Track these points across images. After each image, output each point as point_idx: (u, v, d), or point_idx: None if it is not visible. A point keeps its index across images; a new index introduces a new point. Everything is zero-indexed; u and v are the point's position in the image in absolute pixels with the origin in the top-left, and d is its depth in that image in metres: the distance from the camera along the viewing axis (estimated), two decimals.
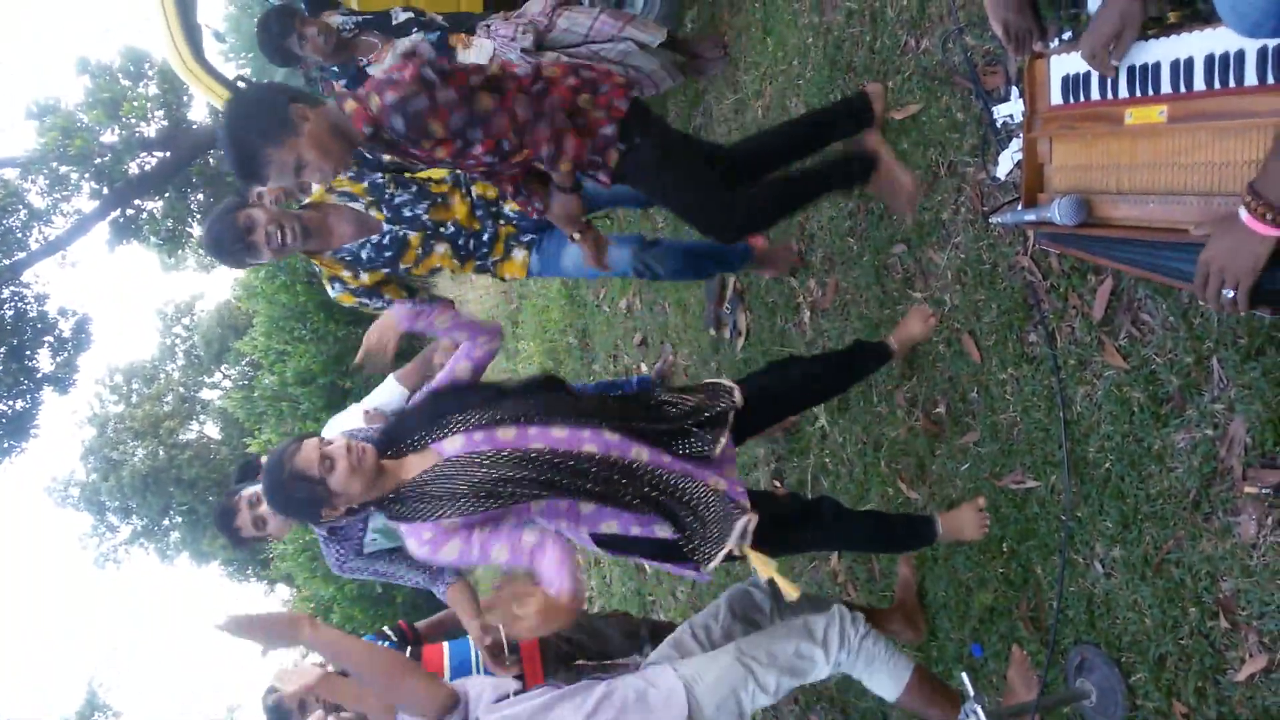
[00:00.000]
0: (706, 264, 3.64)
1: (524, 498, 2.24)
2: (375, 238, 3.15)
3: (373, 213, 3.16)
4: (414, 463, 2.31)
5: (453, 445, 2.29)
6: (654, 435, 2.37)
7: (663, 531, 2.36)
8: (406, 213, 3.16)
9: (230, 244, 2.95)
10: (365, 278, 3.23)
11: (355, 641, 2.54)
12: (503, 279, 3.40)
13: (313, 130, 2.30)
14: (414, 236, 3.17)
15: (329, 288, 3.33)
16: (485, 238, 3.26)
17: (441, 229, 3.20)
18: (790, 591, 2.28)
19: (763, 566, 2.32)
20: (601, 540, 2.38)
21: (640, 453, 2.32)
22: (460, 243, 3.23)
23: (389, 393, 3.78)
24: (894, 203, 2.93)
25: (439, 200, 3.19)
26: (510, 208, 3.25)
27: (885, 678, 2.47)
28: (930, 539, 2.70)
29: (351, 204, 3.18)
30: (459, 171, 3.11)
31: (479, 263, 3.31)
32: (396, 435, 2.36)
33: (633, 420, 2.36)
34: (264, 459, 2.73)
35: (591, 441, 2.29)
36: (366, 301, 3.31)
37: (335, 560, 3.40)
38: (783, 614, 2.71)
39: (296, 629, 2.38)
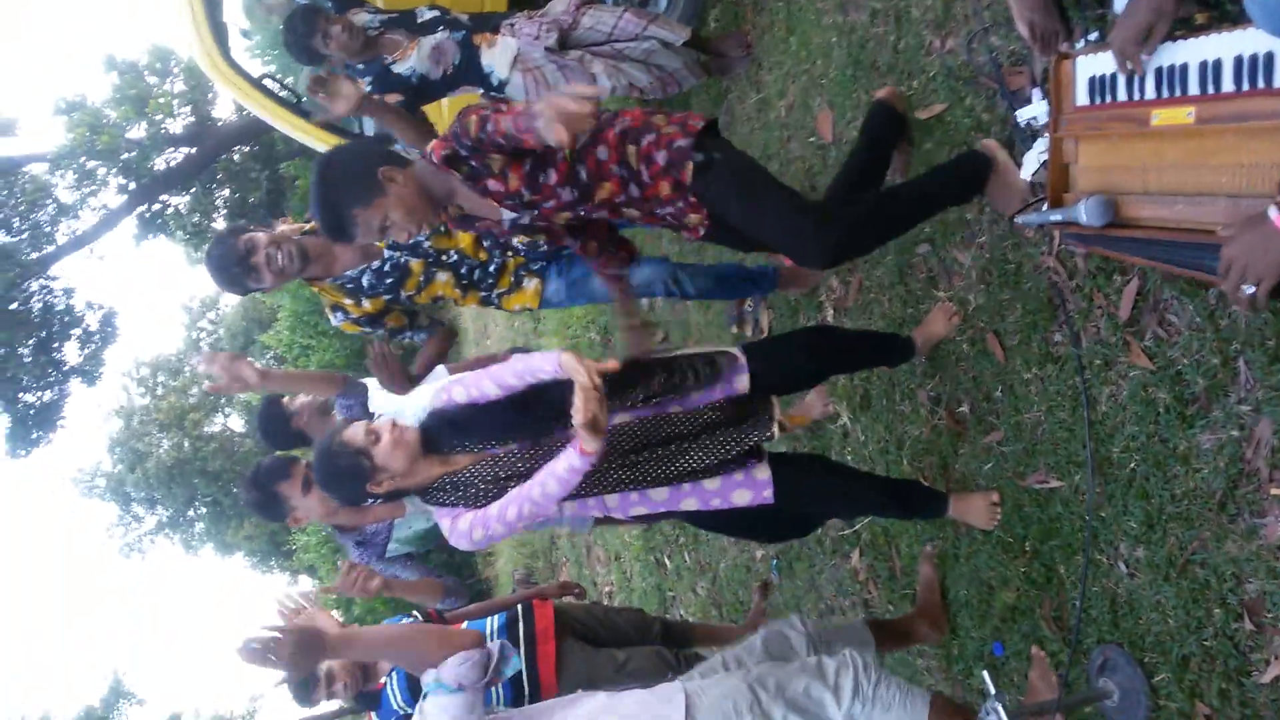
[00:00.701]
0: (735, 285, 3.66)
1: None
2: (376, 264, 3.15)
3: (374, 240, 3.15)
4: (461, 460, 2.44)
5: (505, 447, 2.42)
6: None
7: (688, 505, 2.50)
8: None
9: (232, 267, 3.00)
10: (367, 304, 3.22)
11: (382, 632, 2.49)
12: (510, 311, 3.40)
13: (400, 191, 2.34)
14: (415, 264, 3.16)
15: (331, 317, 3.33)
16: (491, 269, 3.24)
17: (444, 257, 3.19)
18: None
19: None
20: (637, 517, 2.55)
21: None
22: (463, 272, 3.21)
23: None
24: (1007, 204, 2.63)
25: (441, 228, 3.17)
26: (519, 240, 3.20)
27: (902, 718, 2.43)
28: (939, 513, 2.76)
29: None
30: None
31: (483, 294, 3.29)
32: (436, 434, 2.44)
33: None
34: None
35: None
36: (369, 330, 3.30)
37: (355, 558, 3.46)
38: (819, 655, 2.68)
39: (322, 646, 2.29)
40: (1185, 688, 2.13)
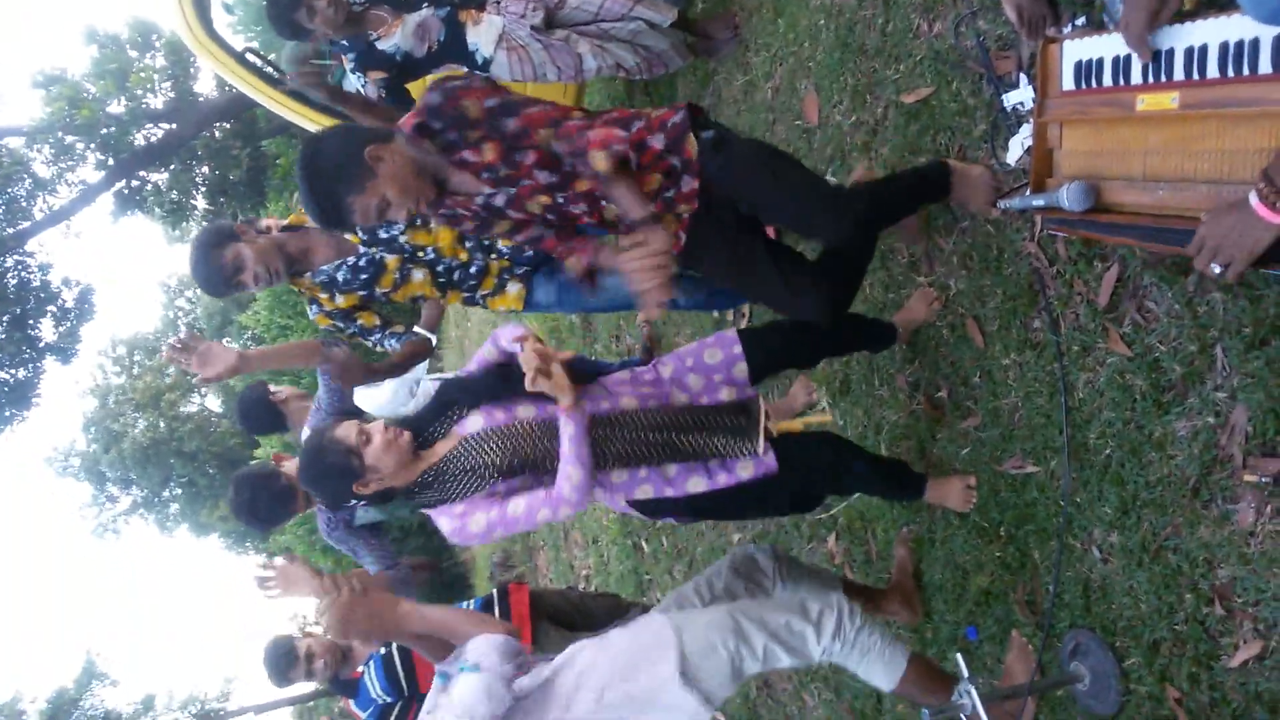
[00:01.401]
0: (726, 298, 3.63)
1: (547, 469, 2.36)
2: (352, 259, 3.10)
3: (347, 236, 3.10)
4: (440, 448, 2.43)
5: (474, 424, 2.41)
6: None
7: (695, 486, 2.48)
8: (382, 234, 3.09)
9: (221, 285, 2.97)
10: (340, 300, 3.15)
11: (441, 614, 2.44)
12: (495, 311, 3.33)
13: (390, 170, 2.26)
14: (391, 260, 3.10)
15: (308, 310, 3.27)
16: (473, 270, 3.16)
17: (420, 254, 3.12)
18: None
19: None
20: (642, 506, 2.52)
21: (631, 401, 2.48)
22: (439, 270, 3.14)
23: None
24: (978, 199, 2.65)
25: (418, 222, 3.09)
26: (504, 243, 3.14)
27: (880, 670, 2.41)
28: (917, 493, 2.78)
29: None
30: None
31: (466, 295, 3.22)
32: (419, 429, 2.46)
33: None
34: None
35: (602, 400, 2.45)
36: (341, 326, 3.22)
37: (324, 526, 3.47)
38: (785, 580, 2.72)
39: (395, 612, 2.31)
40: (1156, 671, 2.15)
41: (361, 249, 3.10)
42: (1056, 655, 2.42)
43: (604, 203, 2.40)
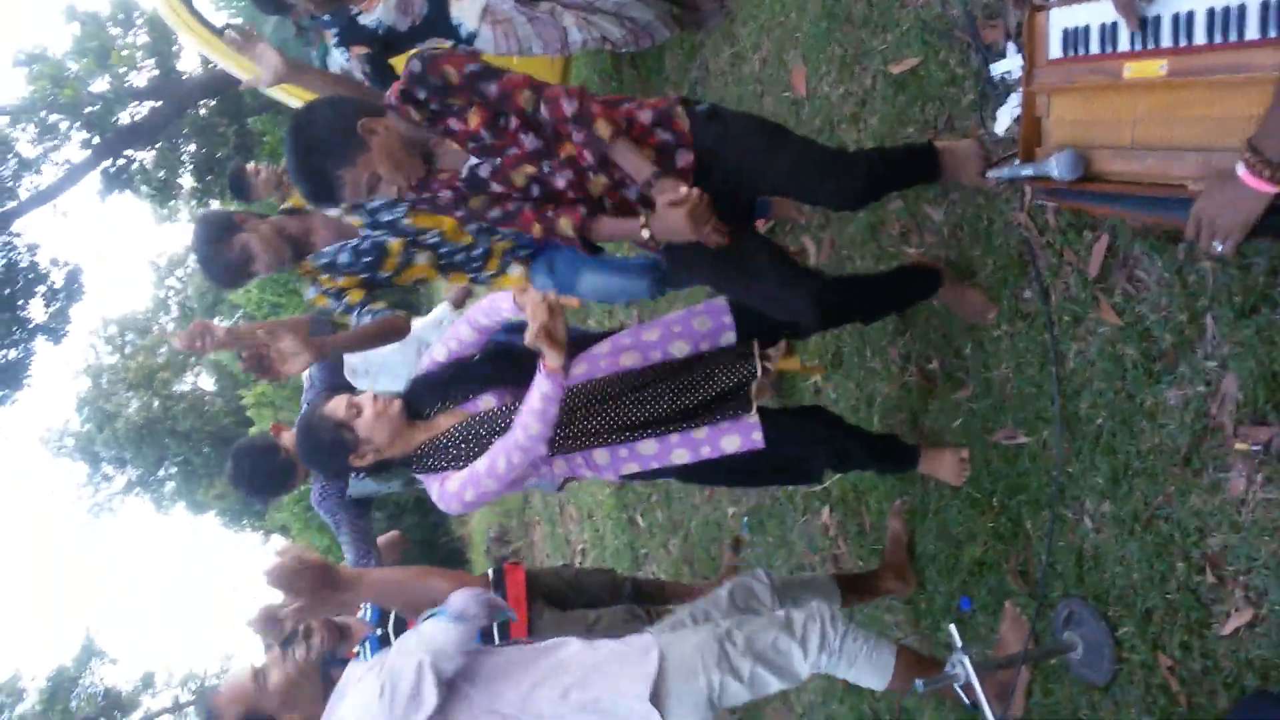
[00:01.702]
0: (652, 285, 3.57)
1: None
2: (354, 241, 3.05)
3: (349, 219, 3.06)
4: (442, 421, 2.44)
5: (485, 404, 2.43)
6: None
7: (679, 458, 2.49)
8: (384, 217, 3.04)
9: (232, 278, 2.97)
10: (341, 282, 3.09)
11: (394, 573, 2.46)
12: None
13: (383, 143, 2.22)
14: (394, 243, 3.05)
15: (308, 290, 3.20)
16: (477, 253, 3.11)
17: (422, 237, 3.07)
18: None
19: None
20: (629, 476, 2.53)
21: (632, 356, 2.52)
22: (443, 253, 3.10)
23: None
24: (968, 171, 2.61)
25: (418, 205, 3.06)
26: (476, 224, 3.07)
27: (869, 672, 2.42)
28: (910, 465, 2.77)
29: (329, 211, 3.08)
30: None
31: (471, 276, 3.18)
32: (419, 401, 2.46)
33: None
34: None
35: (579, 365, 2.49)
36: (337, 305, 3.14)
37: (316, 495, 3.45)
38: (783, 604, 2.69)
39: (337, 581, 2.33)
40: (1148, 640, 2.16)
41: (364, 231, 3.06)
42: (1050, 625, 2.43)
43: (589, 173, 2.33)
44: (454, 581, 2.32)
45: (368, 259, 3.05)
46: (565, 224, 2.35)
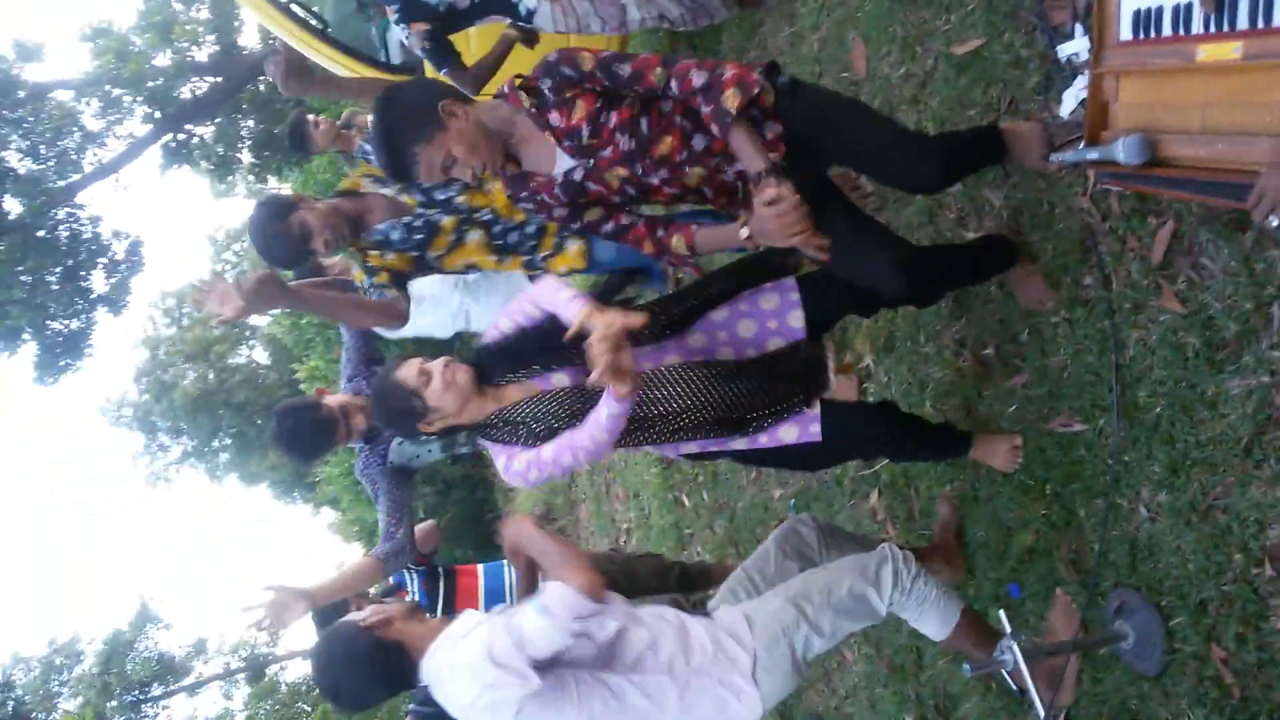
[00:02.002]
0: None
1: None
2: (407, 219, 3.07)
3: (404, 198, 3.08)
4: (512, 393, 2.48)
5: (558, 380, 2.47)
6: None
7: (736, 444, 2.52)
8: (439, 195, 3.05)
9: (291, 256, 3.01)
10: (391, 258, 3.08)
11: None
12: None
13: (461, 127, 2.26)
14: (447, 221, 3.06)
15: (353, 270, 3.18)
16: (530, 230, 3.10)
17: (476, 215, 3.07)
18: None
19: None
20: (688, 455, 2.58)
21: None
22: (496, 231, 3.09)
23: None
24: (1032, 153, 2.60)
25: (477, 183, 2.95)
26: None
27: (935, 619, 2.45)
28: (962, 452, 2.76)
29: (383, 189, 3.11)
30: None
31: (526, 258, 3.16)
32: (490, 369, 2.50)
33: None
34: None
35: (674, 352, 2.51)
36: (368, 281, 3.08)
37: (360, 464, 3.48)
38: (830, 550, 2.72)
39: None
40: (1202, 631, 2.14)
41: (419, 209, 3.08)
42: (1100, 614, 2.41)
43: (684, 168, 2.34)
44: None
45: (419, 236, 3.06)
46: (678, 243, 2.41)
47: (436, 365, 2.43)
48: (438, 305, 3.84)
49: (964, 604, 2.46)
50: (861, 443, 2.66)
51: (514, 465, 2.42)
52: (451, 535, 16.00)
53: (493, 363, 2.51)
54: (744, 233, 2.24)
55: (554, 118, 2.30)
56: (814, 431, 2.51)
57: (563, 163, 2.35)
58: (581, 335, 2.23)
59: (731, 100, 2.15)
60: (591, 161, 2.33)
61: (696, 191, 2.41)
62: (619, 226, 2.45)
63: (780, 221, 2.11)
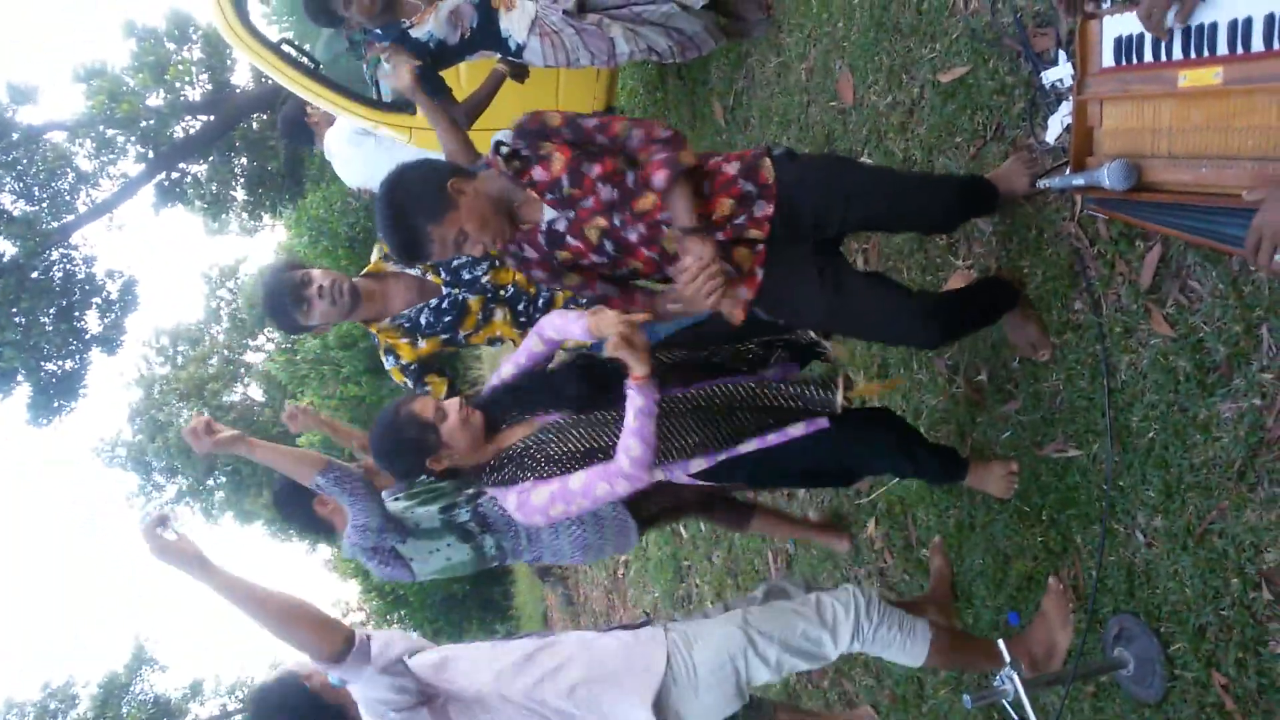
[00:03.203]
0: None
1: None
2: (434, 301, 3.12)
3: (430, 277, 3.13)
4: (515, 432, 2.47)
5: (556, 414, 2.45)
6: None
7: (746, 446, 2.47)
8: (465, 275, 3.11)
9: (285, 297, 3.01)
10: (423, 345, 3.16)
11: (247, 588, 2.35)
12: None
13: (471, 203, 2.28)
14: (474, 300, 3.11)
15: (385, 359, 3.27)
16: (541, 301, 3.16)
17: (501, 292, 3.13)
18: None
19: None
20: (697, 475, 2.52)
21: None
22: (520, 307, 3.15)
23: None
24: (1019, 182, 2.61)
25: (497, 263, 3.11)
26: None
27: (902, 656, 2.46)
28: (958, 477, 2.73)
29: (409, 270, 3.16)
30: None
31: None
32: (495, 412, 2.49)
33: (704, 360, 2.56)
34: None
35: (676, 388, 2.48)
36: (410, 384, 3.22)
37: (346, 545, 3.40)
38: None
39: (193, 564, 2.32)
40: (1202, 657, 2.12)
41: (445, 290, 3.12)
42: (1100, 641, 2.40)
43: (664, 228, 2.33)
44: (316, 629, 2.33)
45: (448, 318, 3.11)
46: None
47: (452, 404, 2.41)
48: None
49: (932, 629, 2.46)
50: (872, 447, 2.62)
51: (532, 500, 2.35)
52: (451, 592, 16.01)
53: (497, 407, 2.49)
54: (672, 306, 2.34)
55: (537, 173, 2.33)
56: (821, 420, 2.47)
57: (548, 214, 2.38)
58: (595, 378, 2.34)
59: (688, 157, 2.23)
60: (573, 213, 2.35)
61: (673, 260, 2.36)
62: (594, 296, 2.49)
63: (694, 282, 2.16)
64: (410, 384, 3.21)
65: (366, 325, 3.22)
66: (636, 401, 2.20)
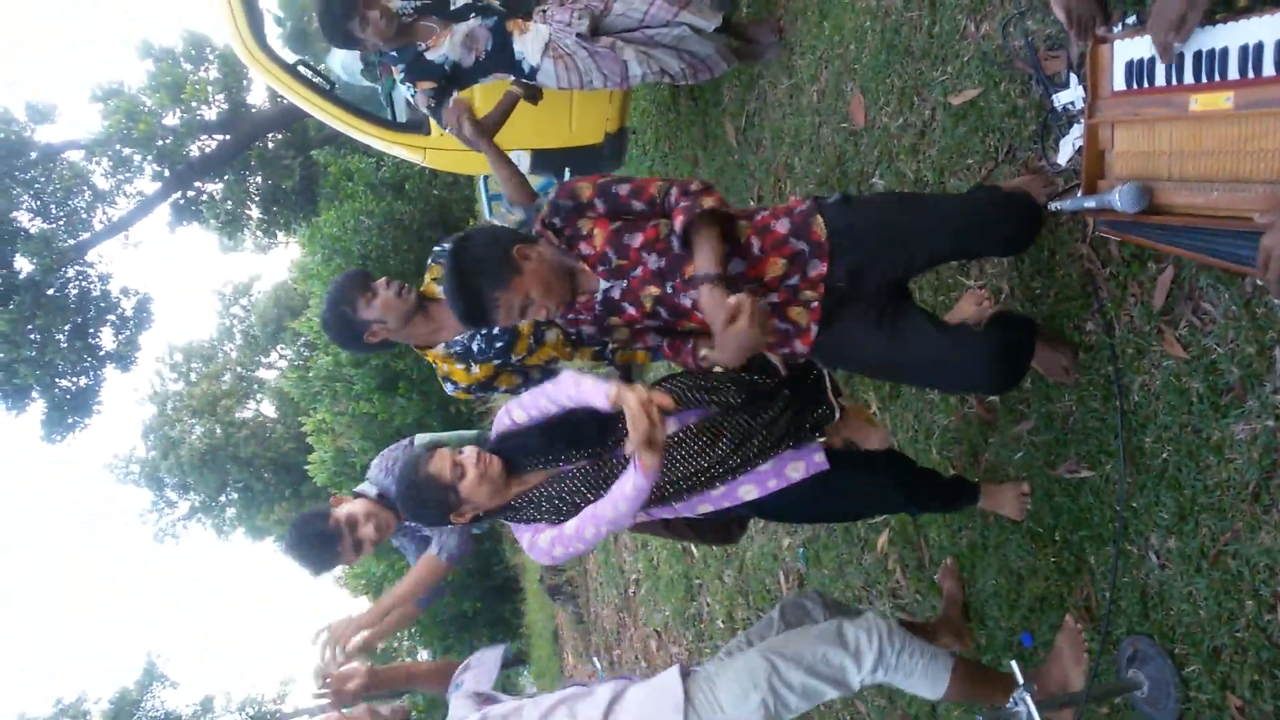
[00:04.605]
0: None
1: None
2: (485, 328, 3.11)
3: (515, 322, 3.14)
4: (534, 476, 2.50)
5: (578, 463, 2.47)
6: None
7: (747, 494, 2.49)
8: None
9: (351, 299, 3.04)
10: (477, 370, 3.18)
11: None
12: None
13: (535, 269, 2.31)
14: (525, 326, 3.12)
15: (444, 385, 3.29)
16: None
17: None
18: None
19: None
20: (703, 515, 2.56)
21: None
22: (571, 331, 3.05)
23: None
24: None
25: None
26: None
27: (924, 686, 2.43)
28: (971, 502, 2.75)
29: None
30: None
31: (596, 349, 3.21)
32: (519, 458, 2.50)
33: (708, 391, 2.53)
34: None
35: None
36: (483, 395, 3.26)
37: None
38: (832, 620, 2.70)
39: None
40: (1217, 679, 2.12)
41: None
42: (1114, 662, 2.39)
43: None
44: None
45: (500, 344, 3.11)
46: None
47: (469, 458, 2.42)
48: None
49: (954, 660, 2.43)
50: (876, 489, 2.63)
51: (539, 543, 2.43)
52: (459, 586, 15.97)
53: (518, 452, 2.51)
54: (705, 360, 2.35)
55: (583, 248, 2.36)
56: (819, 460, 2.48)
57: (603, 284, 2.40)
58: (609, 421, 2.34)
59: (709, 201, 2.21)
60: (625, 282, 2.37)
61: None
62: (649, 347, 2.54)
63: (738, 338, 2.08)
64: (483, 395, 3.24)
65: (420, 351, 3.22)
66: (638, 481, 2.20)
